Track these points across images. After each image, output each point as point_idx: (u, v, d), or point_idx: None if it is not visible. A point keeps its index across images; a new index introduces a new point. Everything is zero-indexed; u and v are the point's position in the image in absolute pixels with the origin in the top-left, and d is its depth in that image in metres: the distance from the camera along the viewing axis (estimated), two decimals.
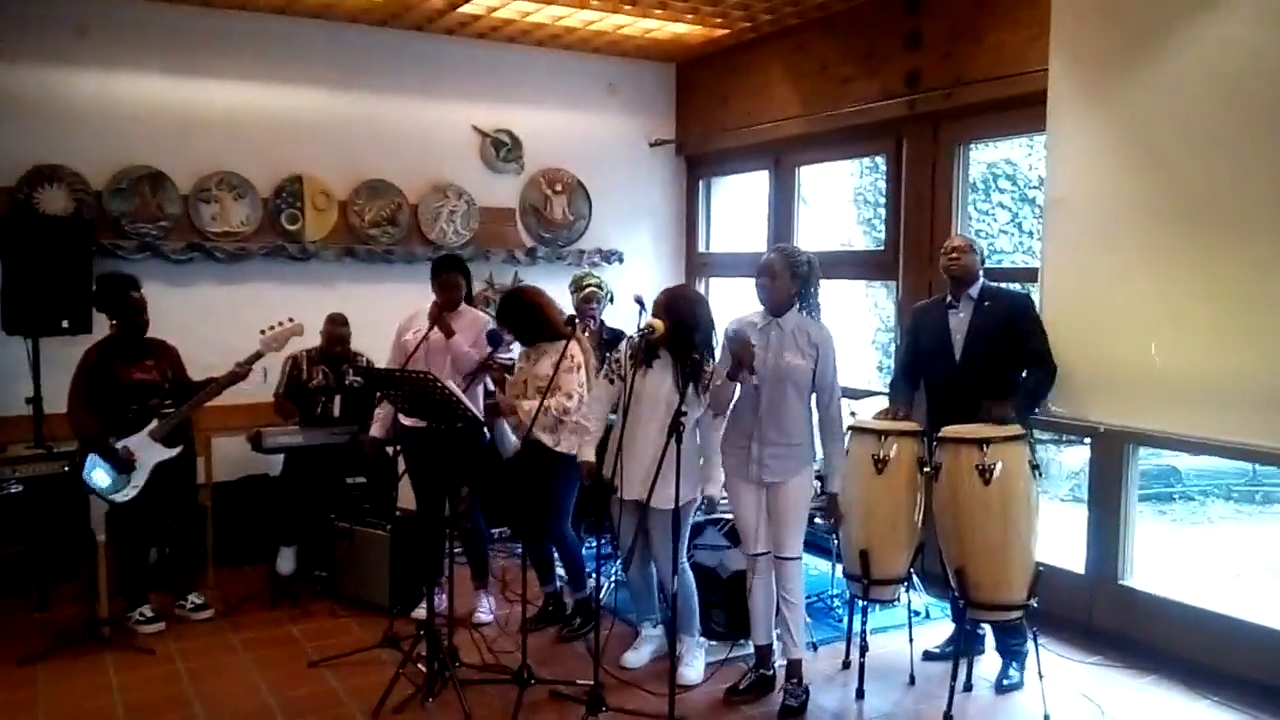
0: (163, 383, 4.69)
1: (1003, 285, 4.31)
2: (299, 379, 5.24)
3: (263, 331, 4.75)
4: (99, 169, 5.50)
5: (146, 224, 5.59)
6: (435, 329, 4.54)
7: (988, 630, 4.27)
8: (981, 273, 4.18)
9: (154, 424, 4.60)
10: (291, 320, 4.82)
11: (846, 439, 4.05)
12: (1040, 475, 3.77)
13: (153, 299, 4.78)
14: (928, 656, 4.32)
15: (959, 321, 4.14)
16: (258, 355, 4.72)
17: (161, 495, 4.63)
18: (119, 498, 4.53)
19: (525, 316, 4.58)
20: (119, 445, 4.51)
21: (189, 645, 4.47)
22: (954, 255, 4.15)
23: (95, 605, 4.52)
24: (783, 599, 3.91)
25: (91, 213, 5.43)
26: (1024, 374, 4.08)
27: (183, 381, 4.78)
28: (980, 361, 4.05)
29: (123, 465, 4.50)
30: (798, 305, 3.85)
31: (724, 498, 4.10)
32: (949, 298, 4.20)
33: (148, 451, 4.58)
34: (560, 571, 4.79)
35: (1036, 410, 4.20)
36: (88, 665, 4.23)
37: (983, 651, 4.30)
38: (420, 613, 4.55)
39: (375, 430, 4.78)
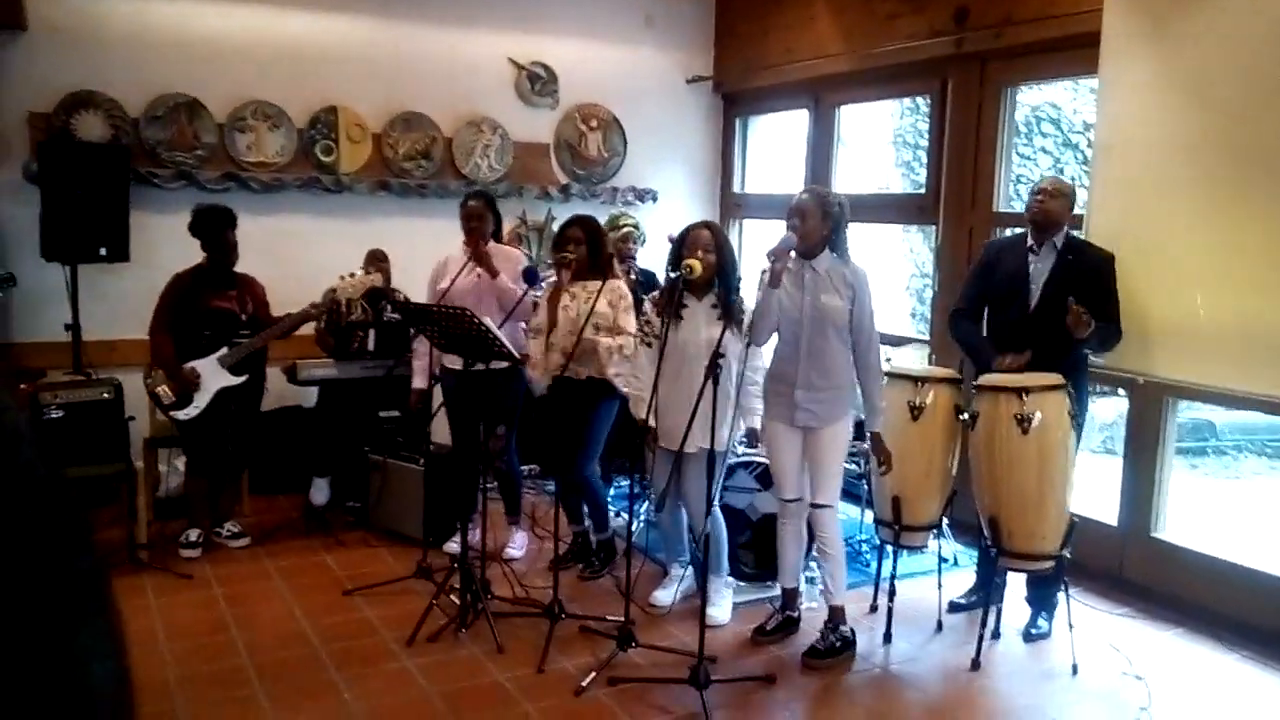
0: (240, 313, 4.77)
1: (1086, 239, 4.04)
2: (338, 312, 5.26)
3: (342, 277, 4.82)
4: (136, 96, 5.48)
5: (183, 152, 5.58)
6: (476, 269, 4.51)
7: (1009, 580, 4.26)
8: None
9: (224, 351, 4.68)
10: (371, 272, 4.92)
11: (884, 382, 4.02)
12: (1079, 425, 3.73)
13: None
14: (954, 608, 4.30)
15: (1039, 269, 3.94)
16: (333, 299, 4.84)
17: (223, 421, 4.73)
18: (181, 415, 4.65)
19: (599, 246, 4.44)
20: (187, 366, 4.62)
21: (226, 571, 4.56)
22: (1040, 197, 3.92)
23: (134, 530, 4.62)
24: (820, 549, 3.90)
25: (128, 140, 5.43)
26: None
27: (262, 316, 4.86)
28: (1055, 314, 3.83)
29: (186, 385, 4.61)
30: (829, 248, 3.75)
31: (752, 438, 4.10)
32: (1030, 241, 4.00)
33: (214, 376, 4.67)
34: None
35: (1091, 354, 4.05)
36: (127, 588, 4.30)
37: (1002, 600, 4.28)
38: (452, 546, 4.62)
39: (418, 381, 4.81)
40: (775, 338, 3.87)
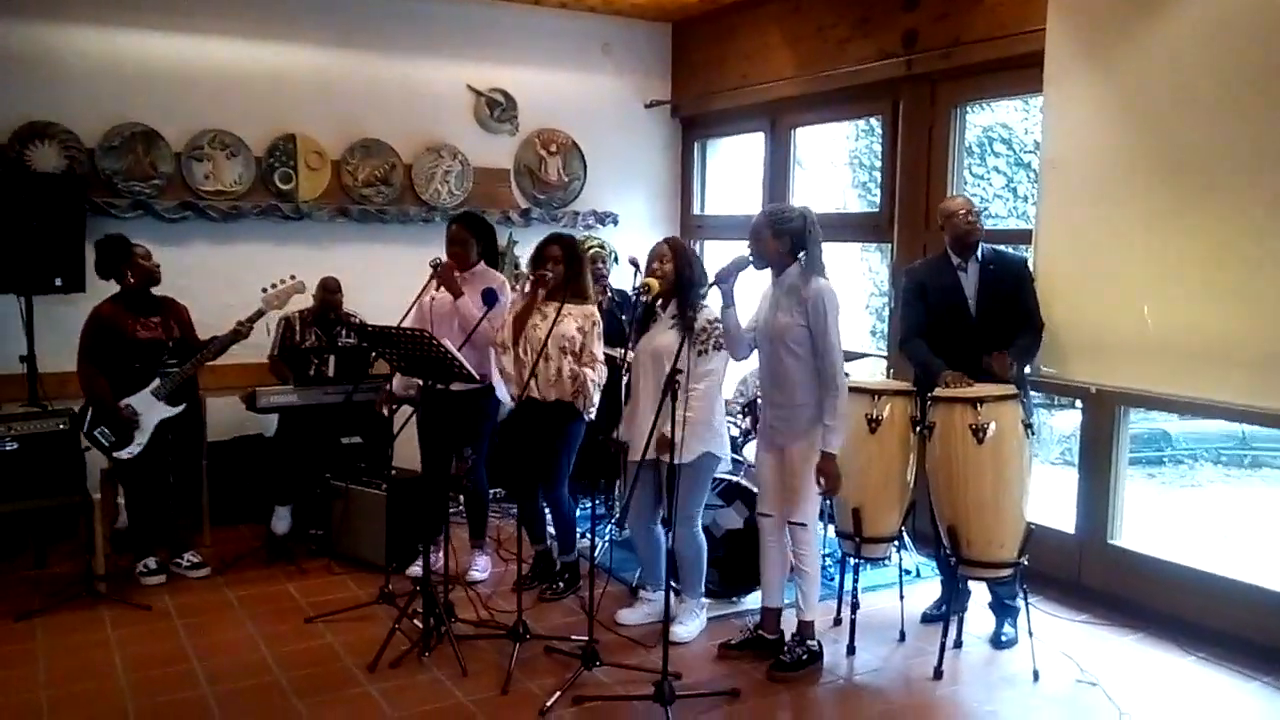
0: (167, 340, 4.69)
1: (997, 248, 4.30)
2: (292, 340, 5.24)
3: (264, 290, 4.77)
4: (91, 126, 5.45)
5: (139, 182, 5.55)
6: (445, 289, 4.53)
7: (973, 588, 4.31)
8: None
9: (156, 382, 4.61)
10: (293, 278, 4.86)
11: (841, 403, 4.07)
12: (1033, 435, 3.80)
13: None
14: (926, 619, 4.34)
15: (970, 282, 4.12)
16: (259, 313, 4.76)
17: (165, 453, 4.67)
18: (123, 454, 4.58)
19: (577, 268, 4.40)
20: (122, 403, 4.54)
21: (185, 602, 4.50)
22: (972, 219, 4.12)
23: (91, 562, 4.56)
24: (795, 565, 3.92)
25: (84, 170, 5.39)
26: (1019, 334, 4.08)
27: (189, 340, 4.78)
28: (995, 321, 4.06)
29: (125, 423, 4.53)
30: (801, 264, 3.76)
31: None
32: (956, 259, 4.15)
33: (150, 410, 4.60)
34: (551, 531, 4.80)
35: (1027, 368, 4.24)
36: (85, 621, 4.25)
37: (966, 609, 4.32)
38: (415, 570, 4.59)
39: (396, 385, 4.69)
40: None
